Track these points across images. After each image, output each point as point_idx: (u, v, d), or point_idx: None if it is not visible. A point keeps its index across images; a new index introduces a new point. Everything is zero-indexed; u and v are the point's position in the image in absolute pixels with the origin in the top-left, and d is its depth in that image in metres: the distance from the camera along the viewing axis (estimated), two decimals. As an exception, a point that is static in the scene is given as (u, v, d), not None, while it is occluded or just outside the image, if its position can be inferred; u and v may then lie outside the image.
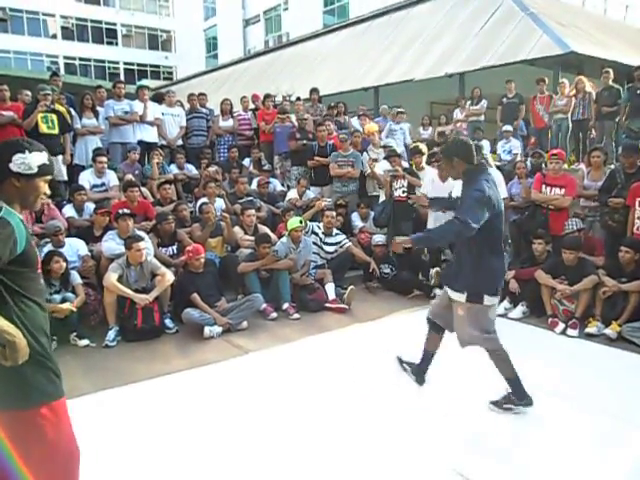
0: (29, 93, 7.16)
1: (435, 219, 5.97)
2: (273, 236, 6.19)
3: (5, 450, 1.82)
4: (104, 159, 6.58)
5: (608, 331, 4.69)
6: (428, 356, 3.59)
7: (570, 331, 4.84)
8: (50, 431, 1.87)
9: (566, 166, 6.76)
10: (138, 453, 2.98)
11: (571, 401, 3.52)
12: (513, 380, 3.27)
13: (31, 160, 1.87)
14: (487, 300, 3.14)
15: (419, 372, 3.63)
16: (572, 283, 5.03)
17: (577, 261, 5.09)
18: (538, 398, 3.31)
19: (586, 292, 4.96)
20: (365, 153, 7.93)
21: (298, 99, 9.82)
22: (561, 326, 4.93)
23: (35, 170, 1.88)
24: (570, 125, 8.79)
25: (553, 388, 3.67)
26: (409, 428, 3.21)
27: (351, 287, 5.80)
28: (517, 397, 3.29)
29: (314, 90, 9.66)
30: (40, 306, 1.92)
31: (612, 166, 6.54)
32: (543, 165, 6.86)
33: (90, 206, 6.09)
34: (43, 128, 6.34)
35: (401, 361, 3.73)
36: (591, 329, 4.79)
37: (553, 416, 3.31)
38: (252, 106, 9.61)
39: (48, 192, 2.03)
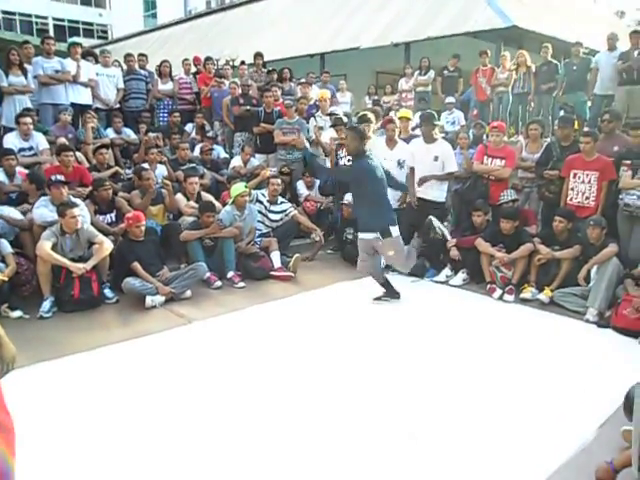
0: None
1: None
2: (217, 204, 6.05)
3: None
4: (29, 120, 6.06)
5: (541, 296, 4.94)
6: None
7: (507, 297, 5.06)
8: None
9: (506, 138, 6.94)
10: (75, 428, 2.88)
11: (508, 364, 3.69)
12: (386, 284, 4.96)
13: None
14: (394, 231, 4.63)
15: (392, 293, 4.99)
16: (509, 251, 5.24)
17: (514, 230, 5.29)
18: (477, 361, 3.44)
19: (522, 259, 5.17)
20: (312, 119, 7.83)
21: (242, 63, 9.52)
22: (499, 292, 5.14)
23: None
24: (511, 98, 9.01)
25: (492, 351, 3.84)
26: (357, 395, 3.27)
27: (296, 255, 5.79)
28: (390, 295, 4.96)
29: (258, 55, 9.35)
30: None
31: (548, 139, 6.76)
32: (484, 137, 7.02)
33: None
34: (-38, 86, 5.84)
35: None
36: (526, 294, 5.02)
37: (491, 379, 3.46)
38: (194, 69, 9.24)
39: None
